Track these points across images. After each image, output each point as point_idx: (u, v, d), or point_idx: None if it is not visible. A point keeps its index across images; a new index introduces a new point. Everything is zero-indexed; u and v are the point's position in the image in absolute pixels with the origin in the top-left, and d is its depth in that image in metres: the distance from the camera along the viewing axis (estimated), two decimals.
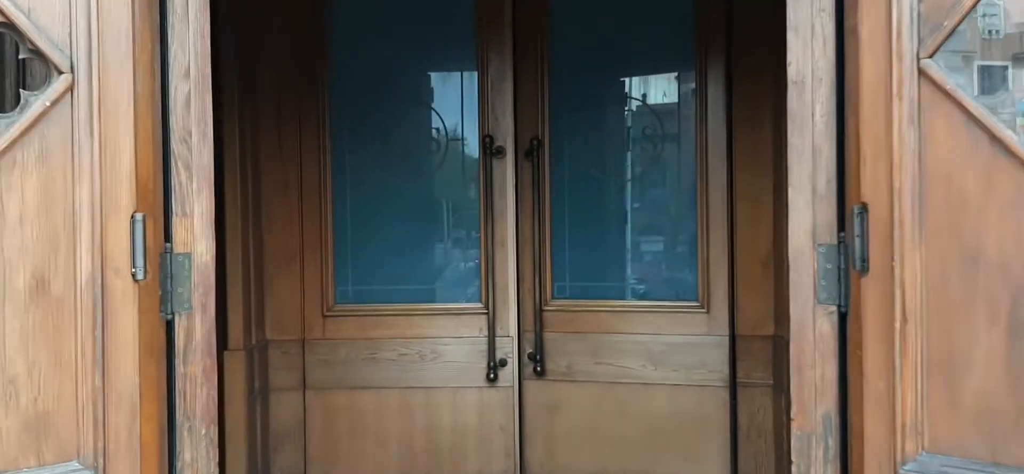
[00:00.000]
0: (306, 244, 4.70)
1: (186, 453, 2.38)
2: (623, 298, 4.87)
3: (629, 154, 4.96)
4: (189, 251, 2.35)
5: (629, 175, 4.97)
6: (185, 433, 2.38)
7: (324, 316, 4.73)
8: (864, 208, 2.22)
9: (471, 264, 4.85)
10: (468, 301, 4.77)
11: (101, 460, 2.23)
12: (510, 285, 4.66)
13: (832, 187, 2.32)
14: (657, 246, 5.02)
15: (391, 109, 4.84)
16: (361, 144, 4.79)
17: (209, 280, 2.37)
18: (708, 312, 4.57)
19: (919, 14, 2.16)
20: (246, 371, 4.42)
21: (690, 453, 4.59)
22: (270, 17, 4.61)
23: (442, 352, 4.70)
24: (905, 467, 2.18)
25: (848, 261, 2.29)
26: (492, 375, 4.65)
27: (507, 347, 4.67)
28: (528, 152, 4.67)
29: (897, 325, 2.17)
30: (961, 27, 2.16)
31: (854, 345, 2.27)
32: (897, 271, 2.17)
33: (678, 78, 4.88)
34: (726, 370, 4.53)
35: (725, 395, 4.54)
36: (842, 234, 2.31)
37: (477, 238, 4.76)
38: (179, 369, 2.37)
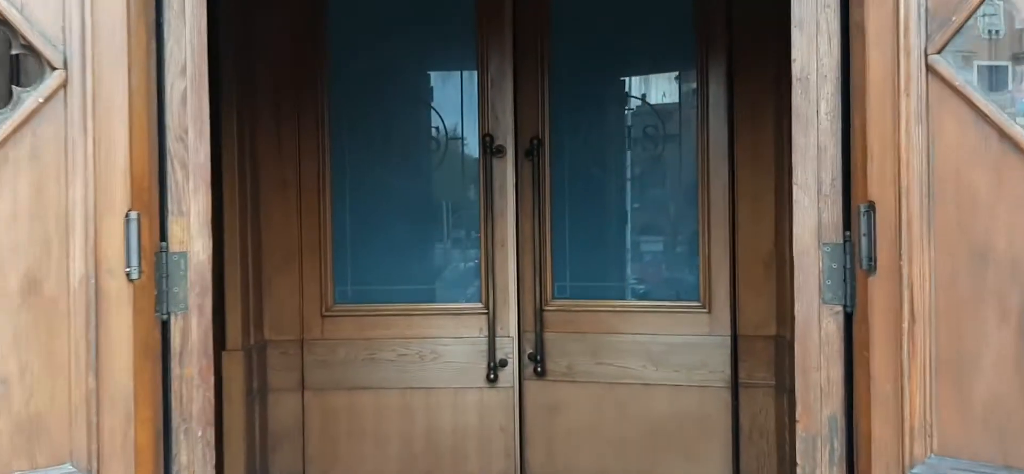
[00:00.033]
0: (305, 244, 4.67)
1: (182, 456, 2.35)
2: (624, 298, 4.84)
3: (630, 154, 4.94)
4: (185, 250, 2.32)
5: (630, 174, 4.95)
6: (181, 436, 2.34)
7: (323, 316, 4.70)
8: (871, 206, 2.20)
9: (471, 264, 4.83)
10: (468, 301, 4.75)
11: (95, 463, 2.20)
12: (510, 285, 4.64)
13: (837, 186, 2.30)
14: (658, 246, 5.00)
15: (391, 108, 4.82)
16: (360, 143, 4.77)
17: (206, 280, 2.34)
18: (709, 312, 4.55)
19: (927, 9, 2.14)
20: (244, 372, 4.39)
21: (691, 454, 4.57)
22: (269, 15, 4.58)
23: (442, 352, 4.68)
24: (913, 470, 2.15)
25: (854, 261, 2.26)
26: (492, 375, 4.62)
27: (507, 347, 4.65)
28: (528, 151, 4.65)
29: (905, 325, 2.15)
30: (968, 24, 2.13)
31: (860, 346, 2.25)
32: (905, 270, 2.15)
33: (679, 77, 4.86)
34: (727, 370, 4.51)
35: (726, 396, 4.52)
36: (847, 233, 2.29)
37: (477, 238, 4.74)
38: (175, 370, 2.33)
